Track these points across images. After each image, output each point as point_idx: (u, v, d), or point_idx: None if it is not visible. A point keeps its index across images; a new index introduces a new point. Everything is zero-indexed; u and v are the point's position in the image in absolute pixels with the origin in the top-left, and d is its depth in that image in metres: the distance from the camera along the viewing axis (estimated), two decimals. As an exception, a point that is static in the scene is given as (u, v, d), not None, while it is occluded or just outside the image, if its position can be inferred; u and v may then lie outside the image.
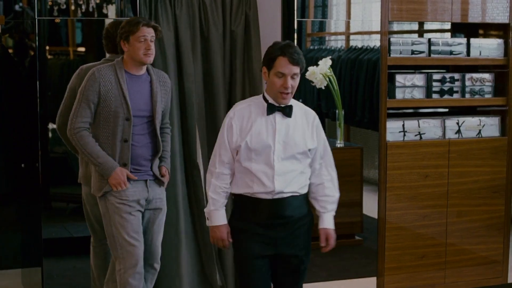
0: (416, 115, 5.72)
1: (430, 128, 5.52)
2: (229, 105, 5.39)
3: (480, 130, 5.65)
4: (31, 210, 5.43)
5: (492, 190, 5.69)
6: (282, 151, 3.98)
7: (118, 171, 4.35)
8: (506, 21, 5.61)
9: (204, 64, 5.33)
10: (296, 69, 3.91)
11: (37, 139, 5.03)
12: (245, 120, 4.02)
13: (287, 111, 4.00)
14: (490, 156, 5.64)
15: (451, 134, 5.56)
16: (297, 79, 3.94)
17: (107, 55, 4.79)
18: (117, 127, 4.36)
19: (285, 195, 3.99)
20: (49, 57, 5.28)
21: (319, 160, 4.14)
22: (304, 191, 4.09)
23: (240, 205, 4.10)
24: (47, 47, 5.24)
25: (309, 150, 4.06)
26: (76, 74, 4.67)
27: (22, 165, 5.59)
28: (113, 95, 4.34)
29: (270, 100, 4.00)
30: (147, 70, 4.49)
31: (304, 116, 4.10)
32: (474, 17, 5.54)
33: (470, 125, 5.63)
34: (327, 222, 4.15)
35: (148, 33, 4.38)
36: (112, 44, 4.66)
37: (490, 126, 5.68)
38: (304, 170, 4.08)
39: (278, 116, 4.00)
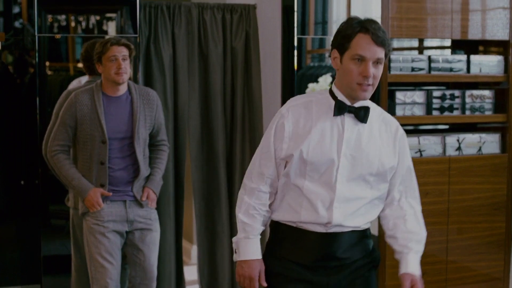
0: (416, 132, 5.71)
1: (431, 145, 5.50)
2: (226, 124, 5.38)
3: (480, 147, 5.64)
4: (31, 227, 5.41)
5: (493, 207, 5.68)
6: (349, 169, 2.97)
7: (92, 192, 4.34)
8: (506, 38, 5.61)
9: (202, 82, 5.33)
10: (381, 52, 2.91)
11: (36, 156, 5.02)
12: (302, 120, 3.00)
13: (361, 114, 2.99)
14: (490, 173, 5.63)
15: (451, 151, 5.55)
16: (381, 68, 2.94)
17: (88, 77, 4.80)
18: (94, 149, 4.36)
19: (343, 229, 3.01)
20: (49, 73, 5.28)
21: (398, 187, 3.14)
22: (368, 226, 3.12)
23: (278, 238, 3.10)
24: (47, 63, 5.24)
25: (386, 171, 3.05)
26: (62, 98, 4.68)
27: (22, 182, 5.58)
28: (89, 119, 4.34)
29: (340, 96, 2.99)
30: (129, 89, 4.46)
31: (383, 124, 3.09)
32: (474, 34, 5.54)
33: (471, 142, 5.62)
34: (412, 265, 3.13)
35: (119, 52, 4.33)
36: (91, 64, 4.65)
37: (490, 143, 5.67)
38: (375, 200, 3.08)
39: (348, 119, 2.99)
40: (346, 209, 2.97)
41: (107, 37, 5.21)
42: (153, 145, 4.57)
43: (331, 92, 3.03)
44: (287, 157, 3.00)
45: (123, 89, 4.42)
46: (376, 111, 3.09)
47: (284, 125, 3.01)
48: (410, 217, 3.16)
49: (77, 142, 4.44)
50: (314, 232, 2.99)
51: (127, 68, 4.36)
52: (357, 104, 2.99)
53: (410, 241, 3.14)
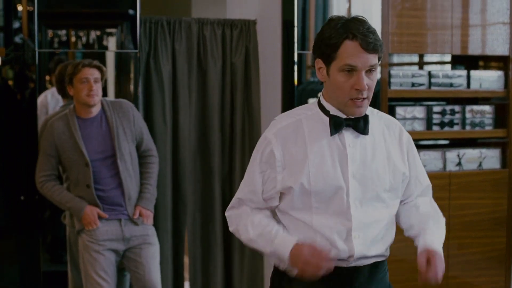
0: (417, 147, 5.68)
1: (431, 160, 5.50)
2: (225, 139, 5.37)
3: (481, 162, 5.64)
4: (30, 243, 5.41)
5: (494, 222, 5.66)
6: (361, 191, 2.57)
7: (88, 210, 4.35)
8: (506, 53, 5.61)
9: (201, 97, 5.32)
10: (374, 59, 2.50)
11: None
12: (293, 145, 2.58)
13: (361, 126, 2.57)
14: (491, 188, 5.62)
15: (451, 167, 5.54)
16: (375, 76, 2.54)
17: (63, 100, 4.82)
18: (79, 173, 4.36)
19: (366, 262, 2.61)
20: (49, 87, 5.29)
21: (415, 199, 2.79)
22: (388, 252, 2.73)
23: (287, 278, 2.63)
24: (47, 78, 5.25)
25: (399, 183, 2.67)
26: (41, 127, 4.71)
27: (22, 197, 5.58)
28: (68, 145, 4.35)
29: (333, 110, 2.58)
30: (102, 107, 4.44)
31: (386, 128, 2.69)
32: (474, 49, 5.54)
33: (471, 157, 5.61)
34: (429, 240, 2.64)
35: (91, 74, 4.32)
36: (64, 87, 4.64)
37: (491, 158, 5.67)
38: (393, 219, 2.71)
39: (347, 133, 2.58)
40: (367, 237, 2.58)
41: (107, 52, 5.23)
42: (140, 156, 4.55)
43: (321, 106, 2.63)
44: (284, 189, 2.58)
45: (96, 109, 4.41)
46: (374, 115, 2.69)
47: (273, 152, 2.59)
48: (424, 204, 2.78)
49: (64, 168, 4.45)
50: (333, 268, 2.53)
51: (98, 90, 4.35)
52: (356, 116, 2.59)
53: (427, 221, 2.70)
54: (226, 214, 2.74)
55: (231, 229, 2.73)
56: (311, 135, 2.59)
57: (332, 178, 2.54)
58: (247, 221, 2.65)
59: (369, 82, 2.51)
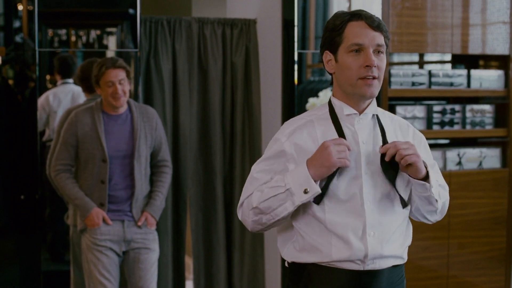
0: (417, 146, 5.69)
1: (431, 160, 5.50)
2: (225, 139, 5.37)
3: (481, 162, 5.64)
4: (30, 243, 5.41)
5: (494, 221, 5.66)
6: (374, 188, 2.52)
7: (94, 213, 4.33)
8: (506, 52, 5.61)
9: (201, 97, 5.32)
10: (380, 38, 2.51)
11: (37, 171, 5.01)
12: (304, 142, 2.54)
13: (373, 119, 2.59)
14: (491, 187, 5.62)
15: (452, 166, 5.54)
16: (384, 58, 2.53)
17: (88, 95, 4.82)
18: (94, 168, 4.35)
19: (383, 264, 2.52)
20: (49, 87, 5.29)
21: None
22: (406, 255, 2.63)
23: (304, 281, 2.58)
24: (48, 77, 5.25)
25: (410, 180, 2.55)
26: (62, 117, 4.69)
27: (22, 196, 5.58)
28: (90, 137, 4.34)
29: (346, 108, 2.56)
30: (129, 106, 4.44)
31: (399, 130, 2.66)
32: (475, 48, 5.54)
33: (471, 156, 5.61)
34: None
35: (115, 76, 4.29)
36: (89, 84, 4.64)
37: (491, 158, 5.66)
38: (407, 218, 2.63)
39: (360, 131, 2.57)
40: (382, 235, 2.52)
41: (107, 52, 5.22)
42: (155, 166, 4.55)
43: (331, 105, 2.60)
44: None
45: (123, 108, 4.42)
46: (386, 116, 2.66)
47: (284, 149, 2.54)
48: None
49: (79, 161, 4.44)
50: (348, 271, 2.51)
51: (125, 91, 4.34)
52: (367, 111, 2.57)
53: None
54: (239, 216, 2.63)
55: (249, 220, 2.58)
56: (323, 134, 2.55)
57: (346, 178, 2.50)
58: (258, 194, 2.54)
59: (378, 62, 2.49)
